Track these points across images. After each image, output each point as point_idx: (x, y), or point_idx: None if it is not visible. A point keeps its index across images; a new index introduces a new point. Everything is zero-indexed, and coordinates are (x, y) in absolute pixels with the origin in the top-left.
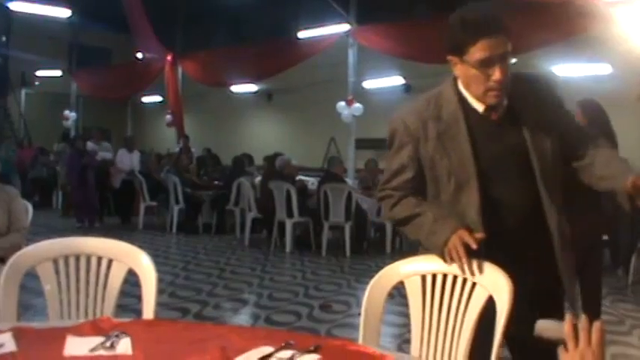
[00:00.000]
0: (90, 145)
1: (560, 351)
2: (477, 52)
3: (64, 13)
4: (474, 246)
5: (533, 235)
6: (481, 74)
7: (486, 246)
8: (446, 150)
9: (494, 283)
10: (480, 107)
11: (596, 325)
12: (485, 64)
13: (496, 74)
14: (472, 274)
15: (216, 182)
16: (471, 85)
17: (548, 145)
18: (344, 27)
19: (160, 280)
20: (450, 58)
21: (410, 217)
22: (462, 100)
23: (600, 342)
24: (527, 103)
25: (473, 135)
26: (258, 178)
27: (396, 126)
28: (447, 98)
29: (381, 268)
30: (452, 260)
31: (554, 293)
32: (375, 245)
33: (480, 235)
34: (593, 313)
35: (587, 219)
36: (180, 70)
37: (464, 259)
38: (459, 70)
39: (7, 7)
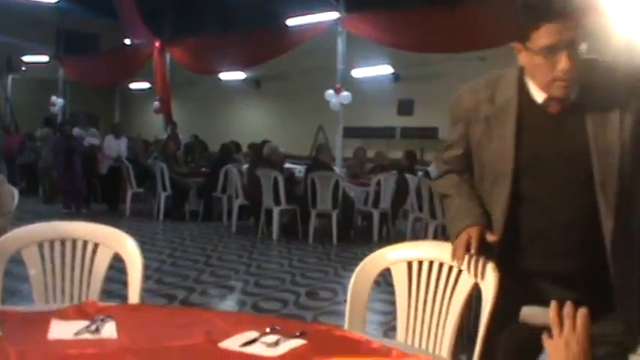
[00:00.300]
0: (76, 130)
1: (545, 337)
2: (541, 37)
3: None
4: (473, 251)
5: (576, 247)
6: (546, 62)
7: (509, 252)
8: (492, 136)
9: (480, 271)
10: (540, 97)
11: (581, 311)
12: (550, 52)
13: (562, 63)
14: (461, 264)
15: (203, 169)
16: (536, 75)
17: (616, 149)
18: (333, 15)
19: (146, 267)
20: (513, 44)
21: (444, 195)
22: (522, 86)
23: (585, 328)
24: (598, 96)
25: (522, 126)
26: (245, 166)
27: (454, 101)
28: (507, 82)
29: (368, 256)
30: (452, 257)
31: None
32: (362, 233)
33: (492, 237)
34: None
35: None
36: (168, 56)
37: (460, 262)
38: (522, 58)
39: None
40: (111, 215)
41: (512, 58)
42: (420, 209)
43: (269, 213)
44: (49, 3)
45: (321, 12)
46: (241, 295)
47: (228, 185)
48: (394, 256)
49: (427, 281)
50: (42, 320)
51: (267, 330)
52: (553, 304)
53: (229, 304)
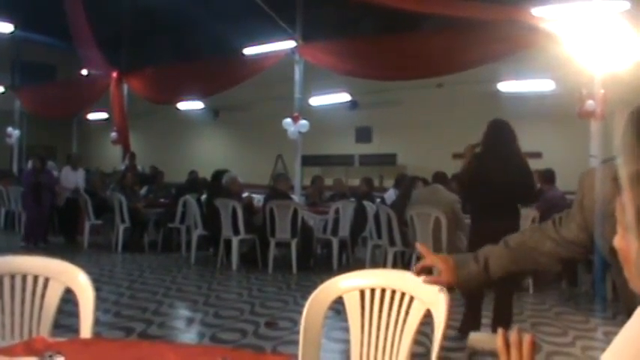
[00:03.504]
0: (50, 164)
1: None
2: None
3: (6, 27)
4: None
5: None
6: None
7: None
8: None
9: (431, 297)
10: None
11: (527, 339)
12: None
13: None
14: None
15: (162, 200)
16: None
17: None
18: (290, 44)
19: (104, 300)
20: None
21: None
22: None
23: (531, 356)
24: None
25: None
26: (204, 195)
27: None
28: None
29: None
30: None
31: None
32: (322, 261)
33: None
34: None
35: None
36: (125, 87)
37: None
38: None
39: None
40: (69, 248)
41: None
42: (379, 236)
43: (228, 243)
44: (3, 33)
45: (278, 41)
46: (200, 326)
47: (186, 216)
48: (346, 285)
49: (379, 309)
50: None
51: None
52: (500, 331)
53: (188, 336)
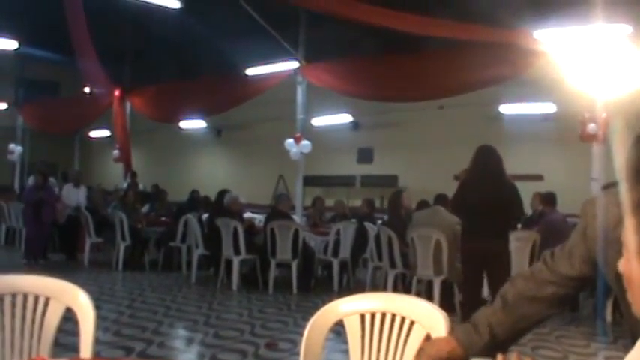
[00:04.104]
0: (51, 181)
1: None
2: None
3: (11, 45)
4: None
5: None
6: None
7: None
8: None
9: (431, 321)
10: None
11: None
12: None
13: None
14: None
15: (163, 219)
16: None
17: None
18: (293, 64)
19: (104, 318)
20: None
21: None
22: None
23: None
24: None
25: None
26: (205, 215)
27: None
28: None
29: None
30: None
31: None
32: (322, 282)
33: None
34: None
35: None
36: (128, 105)
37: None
38: None
39: None
40: (69, 265)
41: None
42: (380, 258)
43: (229, 263)
44: (8, 50)
45: (280, 61)
46: (200, 346)
47: (187, 235)
48: (347, 308)
49: (380, 332)
50: None
51: None
52: (499, 356)
53: (188, 356)
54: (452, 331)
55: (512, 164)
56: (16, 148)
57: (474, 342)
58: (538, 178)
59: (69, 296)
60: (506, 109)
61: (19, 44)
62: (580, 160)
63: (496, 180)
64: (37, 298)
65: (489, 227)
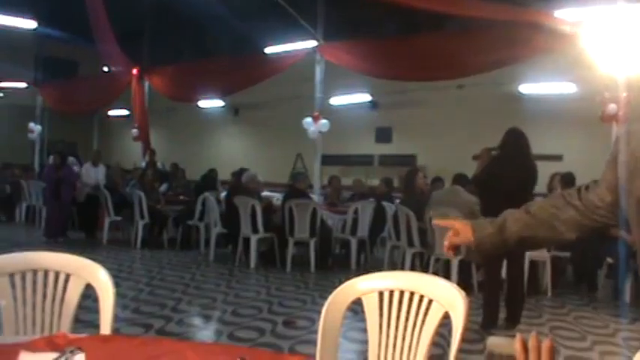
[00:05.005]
0: (71, 159)
1: None
2: None
3: (29, 24)
4: (446, 242)
5: None
6: None
7: None
8: None
9: (450, 300)
10: None
11: (546, 343)
12: None
13: None
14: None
15: (181, 197)
16: None
17: None
18: (311, 43)
19: (123, 296)
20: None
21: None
22: None
23: None
24: None
25: None
26: (223, 193)
27: None
28: None
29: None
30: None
31: None
32: (340, 261)
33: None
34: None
35: None
36: (147, 84)
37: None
38: None
39: None
40: (88, 244)
41: (489, 87)
42: (398, 237)
43: (247, 241)
44: (27, 29)
45: (299, 40)
46: (218, 324)
47: (206, 213)
48: (365, 286)
49: (398, 311)
50: (10, 352)
51: None
52: (518, 335)
53: (206, 333)
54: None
55: (532, 144)
56: (35, 127)
57: (486, 228)
58: (557, 158)
59: (89, 273)
60: (526, 88)
61: (37, 24)
62: (600, 141)
63: (525, 161)
64: (57, 275)
65: (513, 206)
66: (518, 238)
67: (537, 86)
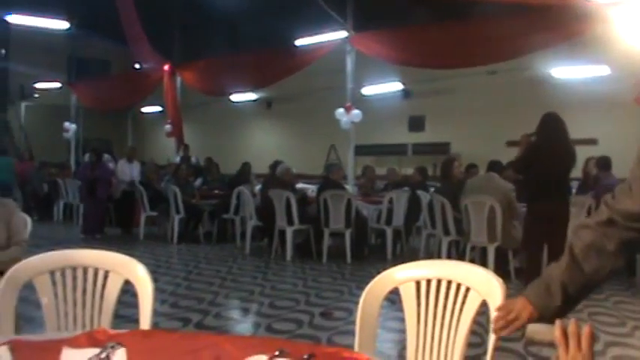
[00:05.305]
0: (106, 156)
1: (553, 358)
2: None
3: (62, 25)
4: (505, 333)
5: None
6: None
7: None
8: None
9: (487, 288)
10: None
11: (586, 330)
12: None
13: None
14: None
15: (216, 191)
16: None
17: None
18: (342, 34)
19: (161, 291)
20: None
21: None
22: None
23: (590, 347)
24: None
25: None
26: (258, 187)
27: None
28: None
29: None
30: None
31: None
32: (376, 251)
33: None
34: None
35: None
36: (178, 79)
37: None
38: None
39: (6, 20)
40: (125, 239)
41: (521, 72)
42: (433, 225)
43: (282, 234)
44: (60, 30)
45: (329, 31)
46: (256, 316)
47: (241, 206)
48: (402, 276)
49: (435, 300)
50: (53, 349)
51: (276, 353)
52: (558, 322)
53: (244, 326)
54: (525, 293)
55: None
56: (70, 126)
57: (548, 305)
58: (592, 142)
59: (127, 269)
60: (559, 72)
61: (70, 24)
62: (636, 124)
63: (565, 145)
64: (96, 272)
65: (557, 190)
66: (586, 292)
67: (570, 70)
